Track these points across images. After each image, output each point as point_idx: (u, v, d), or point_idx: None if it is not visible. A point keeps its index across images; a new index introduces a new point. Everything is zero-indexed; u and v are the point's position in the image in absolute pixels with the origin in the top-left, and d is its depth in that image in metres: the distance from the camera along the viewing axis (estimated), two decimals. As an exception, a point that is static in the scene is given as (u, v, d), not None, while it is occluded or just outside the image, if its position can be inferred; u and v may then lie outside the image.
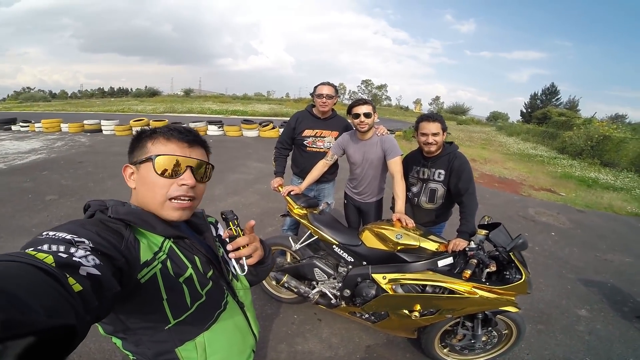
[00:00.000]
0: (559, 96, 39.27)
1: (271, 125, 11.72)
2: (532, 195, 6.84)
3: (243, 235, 0.78)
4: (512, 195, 6.69)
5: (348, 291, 2.03)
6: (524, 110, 40.28)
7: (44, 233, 0.53)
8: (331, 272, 2.14)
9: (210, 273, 0.80)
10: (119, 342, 0.76)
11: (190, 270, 0.74)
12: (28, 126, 12.86)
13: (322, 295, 2.15)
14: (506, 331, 1.95)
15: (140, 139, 0.76)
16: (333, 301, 2.11)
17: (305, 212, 2.24)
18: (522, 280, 1.64)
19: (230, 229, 0.78)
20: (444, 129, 2.05)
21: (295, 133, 2.59)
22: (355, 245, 2.03)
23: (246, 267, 0.77)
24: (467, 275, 1.63)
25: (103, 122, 11.82)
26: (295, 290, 2.17)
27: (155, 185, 0.71)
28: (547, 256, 3.83)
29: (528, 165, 10.61)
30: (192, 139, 0.77)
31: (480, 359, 2.04)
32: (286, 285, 2.16)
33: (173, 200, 0.72)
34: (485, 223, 1.93)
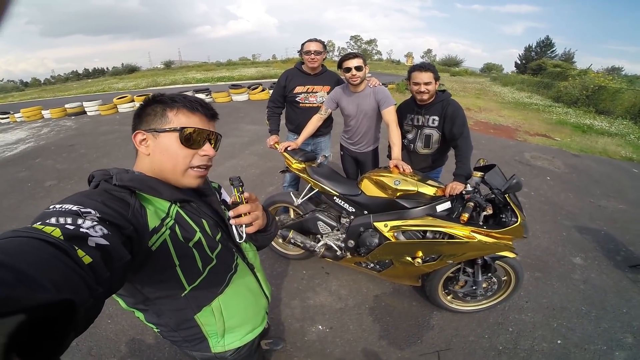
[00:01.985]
0: (554, 49, 38.73)
1: (260, 88, 11.40)
2: (528, 140, 6.88)
3: (246, 203, 0.79)
4: (507, 141, 6.72)
5: (352, 242, 2.06)
6: (519, 62, 39.65)
7: (51, 206, 0.53)
8: (334, 224, 2.17)
9: (218, 236, 0.81)
10: (141, 316, 0.79)
11: (199, 234, 0.75)
12: (8, 117, 12.27)
13: (328, 248, 2.19)
14: (505, 278, 2.00)
15: (155, 107, 0.74)
16: (339, 253, 2.15)
17: (304, 166, 2.23)
18: (517, 223, 1.65)
19: (235, 195, 0.80)
20: (437, 78, 2.07)
21: (287, 91, 2.54)
22: (356, 194, 2.04)
23: (244, 235, 0.79)
24: (465, 218, 1.63)
25: (85, 104, 11.33)
26: (302, 245, 2.19)
27: (179, 155, 0.73)
28: (543, 201, 3.88)
29: (523, 113, 10.57)
30: (212, 113, 0.80)
31: (482, 306, 2.10)
32: (292, 241, 2.19)
33: (194, 169, 0.75)
34: (481, 165, 1.93)
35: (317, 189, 2.16)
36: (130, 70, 49.85)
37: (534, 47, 39.63)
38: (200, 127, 0.74)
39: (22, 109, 12.08)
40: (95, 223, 0.50)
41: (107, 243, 0.48)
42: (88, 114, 11.19)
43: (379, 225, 1.91)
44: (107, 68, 62.61)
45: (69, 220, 0.48)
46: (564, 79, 16.20)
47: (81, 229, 0.47)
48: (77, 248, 0.43)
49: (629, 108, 10.61)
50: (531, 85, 19.14)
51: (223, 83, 19.05)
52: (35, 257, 0.36)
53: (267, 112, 2.66)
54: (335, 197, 2.09)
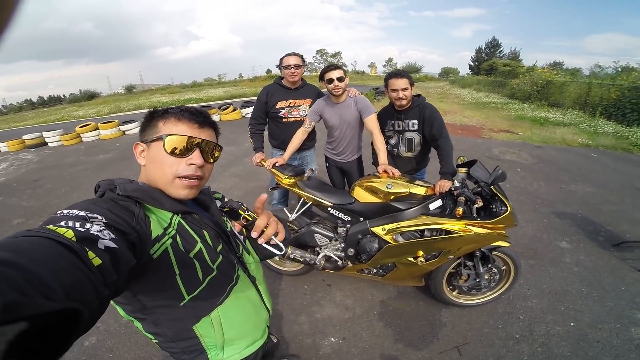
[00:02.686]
0: (501, 49, 41.77)
1: (231, 108, 11.31)
2: (493, 137, 7.28)
3: (257, 217, 0.78)
4: (475, 139, 7.09)
5: (352, 250, 2.08)
6: (472, 64, 42.09)
7: (59, 212, 0.54)
8: (331, 234, 2.19)
9: (219, 247, 0.81)
10: (139, 325, 0.78)
11: (199, 245, 0.76)
12: (-44, 153, 11.43)
13: (328, 259, 2.20)
14: (504, 267, 2.08)
15: (151, 119, 0.78)
16: (339, 263, 2.17)
17: (294, 180, 2.24)
18: (508, 211, 1.75)
19: (244, 217, 0.80)
20: (412, 84, 2.18)
21: (268, 106, 2.55)
22: (349, 203, 2.08)
23: (282, 245, 0.78)
24: (460, 213, 1.71)
25: (45, 134, 10.65)
26: (302, 259, 2.19)
27: (165, 164, 0.73)
28: (519, 192, 4.12)
29: (484, 112, 11.17)
30: (203, 119, 0.78)
31: (488, 297, 2.17)
32: (292, 256, 2.18)
33: (182, 179, 0.74)
34: (463, 162, 2.03)
35: (311, 202, 2.18)
36: (90, 96, 47.71)
37: (483, 48, 42.44)
38: (187, 134, 0.74)
39: (-28, 144, 11.22)
40: (103, 228, 0.51)
41: (116, 246, 0.50)
42: (49, 145, 10.52)
43: (377, 230, 1.95)
44: (64, 95, 59.60)
45: (78, 224, 0.48)
46: (515, 76, 17.27)
47: (91, 232, 0.48)
48: (87, 250, 0.44)
49: (576, 99, 11.47)
50: (487, 85, 20.42)
51: (191, 105, 18.53)
52: (45, 257, 0.37)
53: (250, 130, 2.65)
54: (329, 208, 2.12)
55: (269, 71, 54.01)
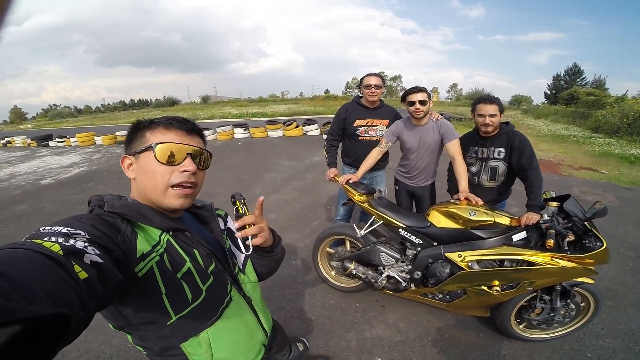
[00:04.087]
0: (583, 76, 37.47)
1: (295, 125, 11.79)
2: (573, 174, 6.59)
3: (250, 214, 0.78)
4: (552, 176, 6.46)
5: (419, 273, 2.05)
6: (548, 92, 38.70)
7: (41, 229, 0.53)
8: (398, 255, 2.17)
9: (211, 267, 0.79)
10: (129, 337, 0.77)
11: (188, 265, 0.73)
12: (64, 141, 13.57)
13: (390, 279, 2.18)
14: (583, 304, 1.95)
15: (137, 130, 0.76)
16: (403, 285, 2.14)
17: (366, 198, 2.28)
18: (603, 247, 1.65)
19: (237, 208, 0.79)
20: (501, 111, 2.10)
21: (346, 124, 2.62)
22: (424, 226, 2.06)
23: (251, 247, 0.76)
24: (551, 245, 1.66)
25: (134, 133, 12.26)
26: (363, 277, 2.20)
27: (156, 173, 0.71)
28: (602, 234, 3.70)
29: (563, 146, 10.20)
30: (190, 127, 0.78)
31: (557, 334, 2.03)
32: (354, 272, 2.21)
33: (175, 188, 0.73)
34: (551, 197, 1.96)
35: (382, 221, 2.19)
36: (171, 103, 53.43)
37: (562, 75, 38.62)
38: (176, 142, 0.73)
39: (77, 134, 13.32)
40: (87, 244, 0.51)
41: (102, 261, 0.50)
42: (135, 143, 12.05)
43: (452, 255, 1.92)
44: (150, 100, 67.62)
45: (61, 240, 0.48)
46: (600, 107, 15.57)
47: (77, 246, 0.48)
48: (74, 263, 0.44)
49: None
50: (566, 116, 18.53)
51: (257, 119, 19.94)
52: (32, 268, 0.37)
53: (326, 145, 2.75)
54: (401, 229, 2.11)
55: (327, 91, 55.39)
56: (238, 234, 0.76)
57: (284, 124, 12.07)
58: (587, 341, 2.09)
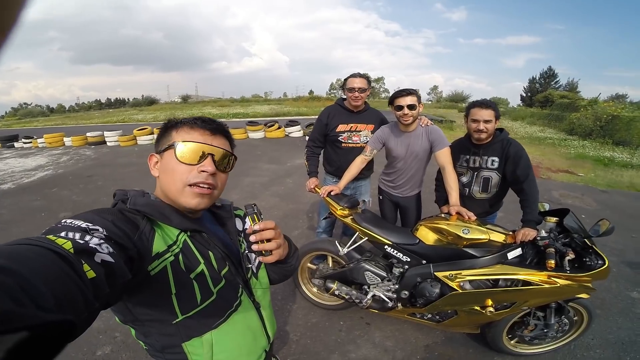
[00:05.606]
0: (557, 79, 39.11)
1: (276, 126, 11.53)
2: (552, 177, 6.72)
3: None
4: (532, 180, 6.55)
5: (406, 292, 1.91)
6: (524, 95, 40.11)
7: (62, 221, 0.54)
8: (383, 274, 2.01)
9: (225, 270, 0.78)
10: (132, 331, 0.77)
11: (202, 266, 0.73)
12: (31, 142, 12.81)
13: (376, 299, 2.03)
14: (576, 318, 1.90)
15: (166, 129, 0.78)
16: (389, 304, 1.98)
17: (349, 212, 2.11)
18: (606, 265, 1.59)
19: (256, 223, 0.75)
20: (497, 117, 1.94)
21: (329, 129, 2.42)
22: (413, 243, 1.91)
23: (257, 260, 0.79)
24: (553, 265, 1.56)
25: (106, 134, 11.68)
26: (347, 297, 2.04)
27: (176, 172, 0.72)
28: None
29: (540, 148, 10.42)
30: (215, 127, 0.77)
31: (549, 348, 1.99)
32: (337, 293, 2.04)
33: (192, 187, 0.72)
34: (545, 210, 1.88)
35: (367, 237, 2.03)
36: (150, 102, 52.14)
37: (537, 78, 40.04)
38: (199, 141, 0.73)
39: (45, 134, 12.55)
40: (102, 241, 0.51)
41: (112, 261, 0.50)
42: (108, 144, 11.52)
43: (442, 275, 1.78)
44: (128, 99, 65.78)
45: (77, 236, 0.49)
46: (574, 110, 16.11)
47: (90, 245, 0.48)
48: (83, 262, 0.44)
49: (647, 137, 10.44)
50: (541, 119, 19.14)
51: (238, 119, 19.48)
52: (40, 266, 0.37)
53: (306, 152, 2.55)
54: (387, 247, 1.96)
55: (311, 92, 55.27)
56: (255, 247, 0.73)
57: (265, 125, 11.81)
58: (578, 353, 2.06)
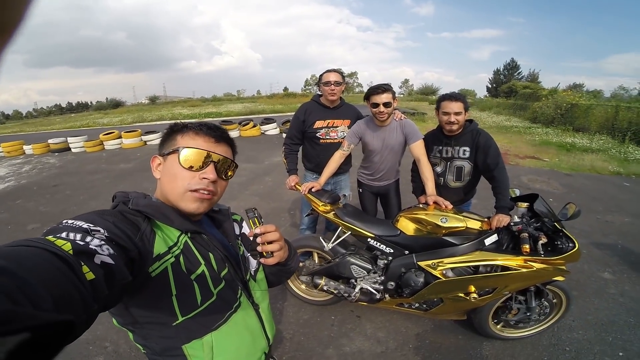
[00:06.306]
0: (519, 70, 40.95)
1: (251, 124, 11.35)
2: (520, 163, 7.06)
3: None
4: (502, 166, 6.86)
5: (392, 283, 1.95)
6: (490, 86, 41.74)
7: (64, 221, 0.54)
8: (369, 266, 2.05)
9: (224, 272, 0.79)
10: (130, 335, 0.76)
11: (202, 267, 0.74)
12: (-14, 153, 11.85)
13: (364, 292, 2.06)
14: (555, 300, 1.99)
15: (171, 132, 0.79)
16: (377, 296, 2.03)
17: (331, 208, 2.13)
18: (576, 248, 1.68)
19: (257, 227, 0.78)
20: (467, 108, 2.03)
21: (306, 126, 2.43)
22: (394, 235, 1.96)
23: (259, 261, 0.79)
24: (528, 250, 1.63)
25: (70, 140, 10.95)
26: (336, 291, 2.06)
27: (178, 176, 0.73)
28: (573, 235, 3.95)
29: (507, 136, 10.91)
30: (220, 134, 0.79)
31: (534, 331, 2.07)
32: (325, 288, 2.06)
33: (193, 192, 0.73)
34: (516, 195, 1.96)
35: (350, 232, 2.06)
36: (115, 104, 49.98)
37: (501, 70, 41.82)
38: (202, 148, 0.74)
39: (2, 143, 11.60)
40: (103, 242, 0.51)
41: (112, 262, 0.49)
42: (72, 150, 10.80)
43: (425, 264, 1.84)
44: (91, 102, 62.77)
45: (78, 237, 0.49)
46: (536, 99, 16.90)
47: (90, 246, 0.48)
48: (83, 264, 0.44)
49: (603, 123, 11.17)
50: (507, 108, 20.08)
51: (211, 119, 18.93)
52: (39, 267, 0.37)
53: (285, 150, 2.54)
54: (370, 239, 2.00)
55: (286, 89, 54.88)
56: (259, 248, 0.74)
57: (239, 123, 11.59)
58: (562, 335, 2.15)
